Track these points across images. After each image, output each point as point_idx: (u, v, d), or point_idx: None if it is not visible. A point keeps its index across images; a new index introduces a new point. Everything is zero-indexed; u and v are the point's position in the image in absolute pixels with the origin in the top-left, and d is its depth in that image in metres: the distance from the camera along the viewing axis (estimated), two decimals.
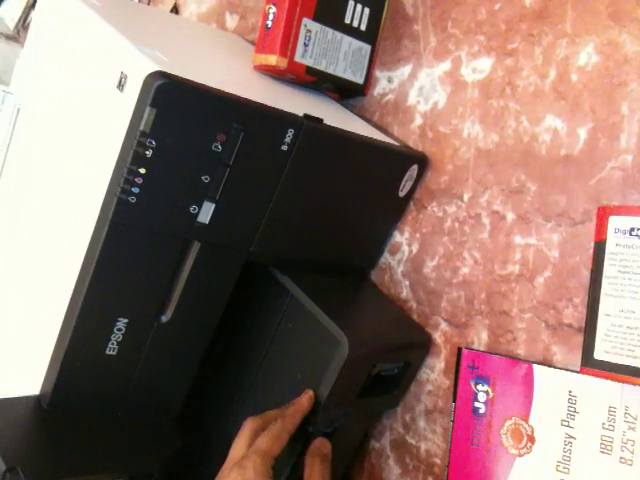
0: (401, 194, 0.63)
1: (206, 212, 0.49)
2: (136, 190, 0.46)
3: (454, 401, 0.56)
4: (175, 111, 0.45)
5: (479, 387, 0.55)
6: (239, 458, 0.47)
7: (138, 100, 0.44)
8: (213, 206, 0.49)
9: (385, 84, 0.68)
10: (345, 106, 0.68)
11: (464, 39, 0.61)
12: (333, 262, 0.62)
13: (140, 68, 0.45)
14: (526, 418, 0.52)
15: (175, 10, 0.98)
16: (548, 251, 0.54)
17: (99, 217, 0.47)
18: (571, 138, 0.53)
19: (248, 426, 0.50)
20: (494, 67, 0.59)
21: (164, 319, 0.52)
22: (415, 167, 0.62)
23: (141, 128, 0.44)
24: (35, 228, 0.59)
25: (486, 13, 0.60)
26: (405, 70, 0.66)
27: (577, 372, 0.51)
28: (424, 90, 0.64)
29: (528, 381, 0.53)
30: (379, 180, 0.61)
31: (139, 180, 0.46)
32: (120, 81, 0.47)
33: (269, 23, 0.60)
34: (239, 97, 0.48)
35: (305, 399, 0.52)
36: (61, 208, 0.55)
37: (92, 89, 0.53)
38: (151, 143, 0.45)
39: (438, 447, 0.59)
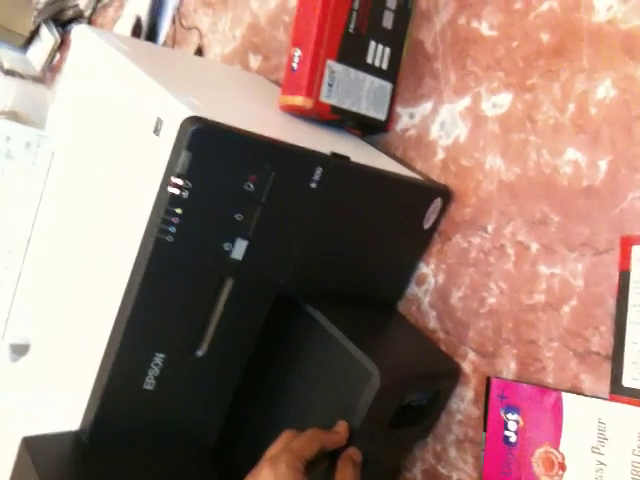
0: (426, 226, 0.64)
1: (239, 249, 0.51)
2: (173, 229, 0.48)
3: (485, 430, 0.57)
4: (210, 154, 0.47)
5: (509, 416, 0.56)
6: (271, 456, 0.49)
7: (174, 144, 0.47)
8: (246, 243, 0.51)
9: (407, 120, 0.70)
10: (368, 142, 0.70)
11: (484, 76, 0.63)
12: (361, 294, 0.64)
13: (176, 114, 0.47)
14: (557, 446, 0.53)
15: (199, 52, 1.01)
16: (573, 280, 0.55)
17: (138, 255, 0.49)
18: (592, 170, 0.55)
19: (284, 435, 0.52)
20: (514, 102, 0.61)
21: (199, 353, 0.54)
22: (439, 200, 0.63)
23: (178, 170, 0.46)
24: (73, 267, 0.61)
25: (504, 50, 0.62)
26: (427, 106, 0.68)
27: (606, 399, 0.51)
28: (445, 125, 0.66)
29: (557, 409, 0.53)
30: (404, 213, 0.62)
31: (176, 220, 0.48)
32: (156, 126, 0.49)
33: (295, 65, 0.63)
34: (270, 139, 0.50)
35: (342, 428, 0.53)
36: (99, 247, 0.57)
37: (127, 133, 0.55)
38: (187, 184, 0.47)
39: (470, 476, 0.60)
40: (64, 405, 0.56)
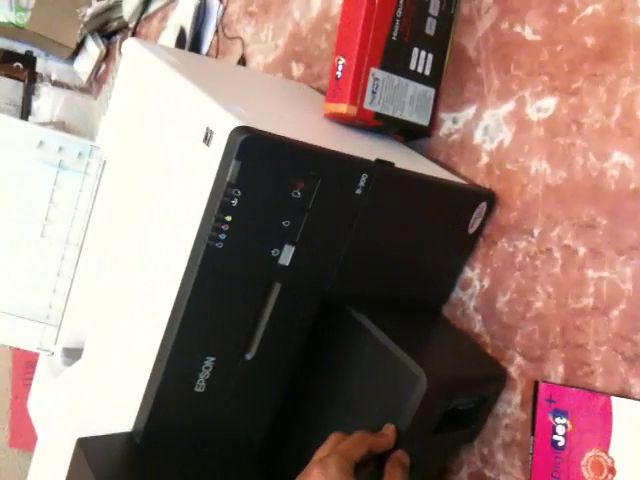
0: (470, 230, 0.64)
1: (287, 254, 0.52)
2: (223, 236, 0.49)
3: (532, 434, 0.57)
4: (258, 162, 0.48)
5: (557, 420, 0.55)
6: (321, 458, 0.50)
7: (224, 153, 0.48)
8: (293, 249, 0.52)
9: (450, 125, 0.70)
10: (412, 147, 0.71)
11: (527, 80, 0.63)
12: (406, 298, 0.64)
13: (225, 124, 0.48)
14: (606, 450, 0.53)
15: (242, 62, 1.03)
16: (622, 284, 0.54)
17: (188, 262, 0.50)
18: None
19: (332, 437, 0.52)
20: (558, 106, 0.60)
21: (249, 356, 0.55)
22: (484, 204, 0.63)
23: (227, 179, 0.48)
24: (125, 273, 0.63)
25: (548, 55, 0.62)
26: (470, 111, 0.68)
27: None
28: (489, 129, 0.66)
29: (606, 413, 0.53)
30: (448, 218, 0.62)
31: (225, 227, 0.49)
32: (206, 136, 0.51)
33: (339, 74, 0.63)
34: (316, 146, 0.51)
35: (390, 431, 0.53)
36: (150, 253, 0.58)
37: (177, 143, 0.56)
38: (237, 193, 0.48)
39: None
40: (117, 407, 0.58)
